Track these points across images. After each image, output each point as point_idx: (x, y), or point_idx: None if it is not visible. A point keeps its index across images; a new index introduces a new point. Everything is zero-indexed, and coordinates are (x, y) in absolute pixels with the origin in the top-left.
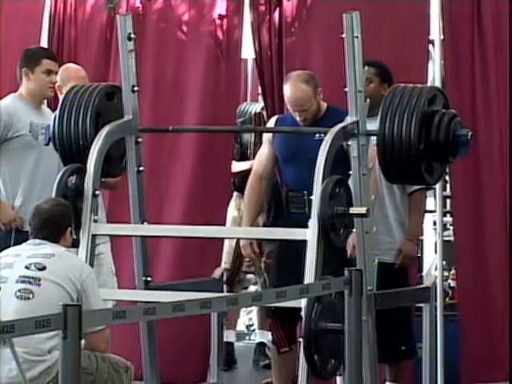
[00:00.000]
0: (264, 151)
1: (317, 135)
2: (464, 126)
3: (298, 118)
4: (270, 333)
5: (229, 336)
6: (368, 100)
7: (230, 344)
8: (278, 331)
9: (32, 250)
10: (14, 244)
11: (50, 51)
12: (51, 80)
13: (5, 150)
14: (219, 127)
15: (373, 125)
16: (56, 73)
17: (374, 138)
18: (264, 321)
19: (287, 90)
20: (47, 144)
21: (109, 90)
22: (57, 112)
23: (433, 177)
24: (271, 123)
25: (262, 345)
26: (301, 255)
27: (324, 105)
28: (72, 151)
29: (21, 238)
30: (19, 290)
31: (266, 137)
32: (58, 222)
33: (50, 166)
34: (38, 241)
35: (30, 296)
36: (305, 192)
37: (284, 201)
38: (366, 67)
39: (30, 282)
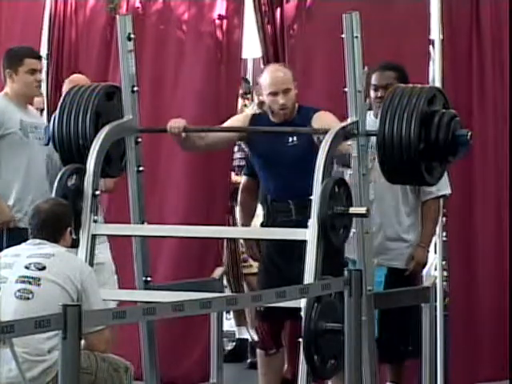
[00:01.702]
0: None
1: (290, 139)
2: (463, 126)
3: (279, 102)
4: (254, 334)
5: (243, 332)
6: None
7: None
8: (264, 333)
9: (32, 250)
10: (7, 242)
11: (32, 50)
12: (36, 79)
13: None
14: (219, 127)
15: None
16: (40, 71)
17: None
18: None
19: (266, 75)
20: (47, 144)
21: (108, 90)
22: (56, 112)
23: (433, 176)
24: (246, 119)
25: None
26: (291, 259)
27: (296, 105)
28: (72, 151)
29: (13, 236)
30: (19, 290)
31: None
32: (57, 222)
33: (40, 163)
34: (37, 240)
35: (30, 296)
36: (289, 201)
37: (270, 211)
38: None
39: (29, 282)
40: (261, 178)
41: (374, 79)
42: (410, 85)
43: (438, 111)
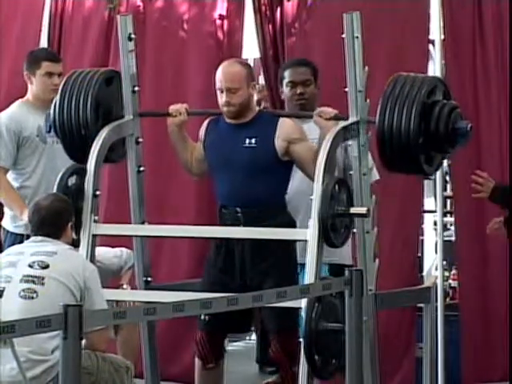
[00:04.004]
0: None
1: (247, 141)
2: (464, 117)
3: (222, 100)
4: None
5: None
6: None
7: None
8: (204, 346)
9: (34, 248)
10: None
11: (50, 52)
12: (53, 82)
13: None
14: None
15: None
16: (59, 74)
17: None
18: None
19: (219, 69)
20: (48, 131)
21: (108, 75)
22: (57, 99)
23: (432, 167)
24: (203, 127)
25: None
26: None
27: (256, 109)
28: (73, 138)
29: None
30: (23, 290)
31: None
32: (58, 219)
33: (59, 168)
34: (39, 238)
35: (34, 296)
36: (237, 209)
37: (218, 217)
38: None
39: (33, 282)
40: (214, 182)
41: (288, 76)
42: (412, 74)
43: (438, 102)
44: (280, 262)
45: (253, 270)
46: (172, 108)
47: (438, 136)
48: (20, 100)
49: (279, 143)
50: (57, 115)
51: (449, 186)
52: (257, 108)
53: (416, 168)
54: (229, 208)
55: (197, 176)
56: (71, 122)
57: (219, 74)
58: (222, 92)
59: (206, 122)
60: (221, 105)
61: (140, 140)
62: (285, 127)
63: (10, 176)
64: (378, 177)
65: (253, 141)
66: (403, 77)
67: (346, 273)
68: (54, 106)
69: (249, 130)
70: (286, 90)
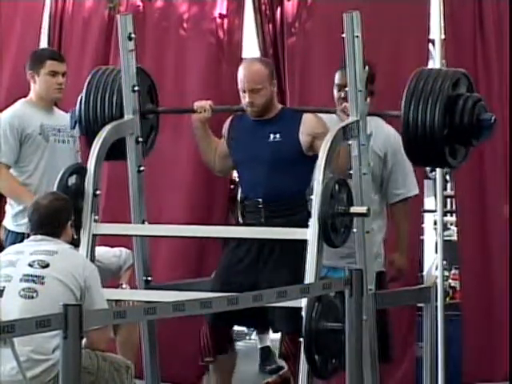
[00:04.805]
0: None
1: (272, 136)
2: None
3: (245, 100)
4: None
5: (264, 340)
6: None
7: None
8: (206, 339)
9: (34, 247)
10: None
11: (54, 52)
12: (57, 81)
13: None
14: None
15: None
16: (63, 74)
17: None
18: None
19: (240, 68)
20: (73, 128)
21: None
22: (83, 95)
23: (456, 159)
24: (226, 124)
25: (266, 349)
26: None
27: (278, 105)
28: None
29: None
30: (23, 289)
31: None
32: (57, 217)
33: (60, 167)
34: (39, 237)
35: (34, 295)
36: (259, 199)
37: (240, 209)
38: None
39: (33, 281)
40: (238, 176)
41: (337, 78)
42: (435, 68)
43: (462, 95)
44: (292, 262)
45: (265, 270)
46: (197, 104)
47: (462, 128)
48: (23, 99)
49: (304, 138)
50: (82, 111)
51: (449, 186)
52: (279, 105)
53: (440, 161)
54: (251, 199)
55: (220, 173)
56: (97, 118)
57: (241, 74)
58: (244, 92)
59: (229, 119)
60: (244, 105)
61: (140, 139)
62: (308, 122)
63: (12, 174)
64: (416, 191)
65: (277, 136)
66: (427, 70)
67: (346, 272)
68: (80, 102)
69: (273, 125)
70: (334, 93)
